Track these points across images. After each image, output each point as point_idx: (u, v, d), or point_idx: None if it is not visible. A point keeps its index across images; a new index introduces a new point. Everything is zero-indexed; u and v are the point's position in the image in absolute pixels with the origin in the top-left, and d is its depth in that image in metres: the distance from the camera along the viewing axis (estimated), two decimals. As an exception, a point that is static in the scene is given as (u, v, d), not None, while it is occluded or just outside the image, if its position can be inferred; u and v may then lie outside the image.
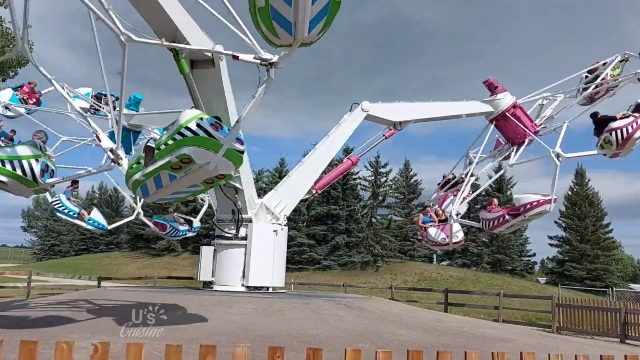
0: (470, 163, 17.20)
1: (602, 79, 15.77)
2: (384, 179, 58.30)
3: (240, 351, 2.91)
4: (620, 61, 16.24)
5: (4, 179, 8.74)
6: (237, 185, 14.14)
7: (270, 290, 15.24)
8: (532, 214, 14.41)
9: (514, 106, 16.55)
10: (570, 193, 58.84)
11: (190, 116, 7.37)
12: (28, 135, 10.78)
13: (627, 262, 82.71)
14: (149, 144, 8.77)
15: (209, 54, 11.27)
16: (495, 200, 16.82)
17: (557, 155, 14.42)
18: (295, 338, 8.32)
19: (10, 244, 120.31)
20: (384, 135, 17.04)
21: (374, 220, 54.93)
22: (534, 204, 14.33)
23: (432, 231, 16.00)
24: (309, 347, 3.07)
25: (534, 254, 61.39)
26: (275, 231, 15.49)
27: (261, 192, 17.84)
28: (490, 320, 18.50)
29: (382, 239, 52.77)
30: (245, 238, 14.87)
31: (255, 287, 14.81)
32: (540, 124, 16.62)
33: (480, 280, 45.53)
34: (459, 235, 15.93)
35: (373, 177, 56.60)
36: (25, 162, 8.83)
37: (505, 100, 16.68)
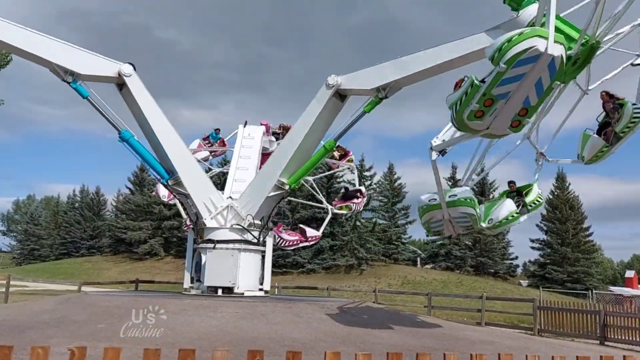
0: None
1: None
2: (368, 182, 58.39)
3: (220, 355, 2.89)
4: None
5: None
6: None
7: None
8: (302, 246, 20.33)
9: None
10: (551, 197, 59.64)
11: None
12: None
13: (607, 265, 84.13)
14: None
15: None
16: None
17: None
18: (277, 342, 8.30)
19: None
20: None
21: (358, 223, 54.95)
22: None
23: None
24: (289, 350, 3.07)
25: (516, 257, 61.96)
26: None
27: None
28: (472, 323, 18.65)
29: (366, 242, 52.85)
30: (262, 244, 14.96)
31: (267, 291, 15.26)
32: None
33: (463, 283, 45.90)
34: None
35: (357, 181, 56.65)
36: None
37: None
